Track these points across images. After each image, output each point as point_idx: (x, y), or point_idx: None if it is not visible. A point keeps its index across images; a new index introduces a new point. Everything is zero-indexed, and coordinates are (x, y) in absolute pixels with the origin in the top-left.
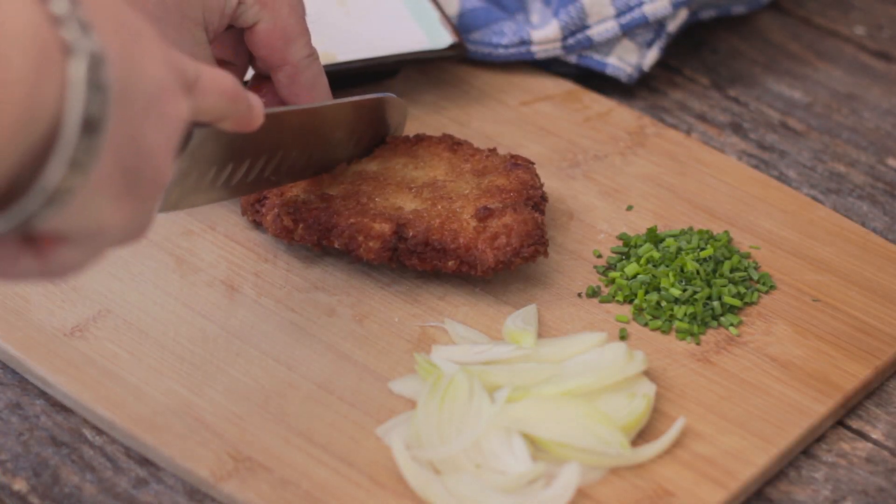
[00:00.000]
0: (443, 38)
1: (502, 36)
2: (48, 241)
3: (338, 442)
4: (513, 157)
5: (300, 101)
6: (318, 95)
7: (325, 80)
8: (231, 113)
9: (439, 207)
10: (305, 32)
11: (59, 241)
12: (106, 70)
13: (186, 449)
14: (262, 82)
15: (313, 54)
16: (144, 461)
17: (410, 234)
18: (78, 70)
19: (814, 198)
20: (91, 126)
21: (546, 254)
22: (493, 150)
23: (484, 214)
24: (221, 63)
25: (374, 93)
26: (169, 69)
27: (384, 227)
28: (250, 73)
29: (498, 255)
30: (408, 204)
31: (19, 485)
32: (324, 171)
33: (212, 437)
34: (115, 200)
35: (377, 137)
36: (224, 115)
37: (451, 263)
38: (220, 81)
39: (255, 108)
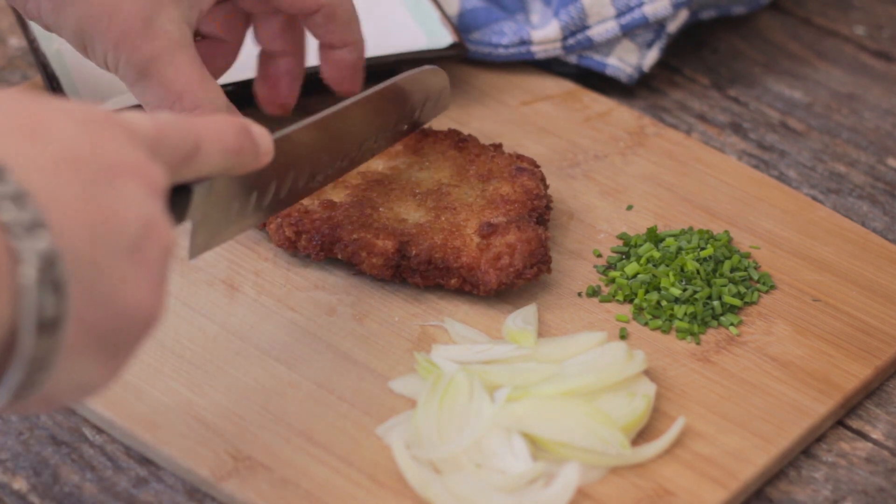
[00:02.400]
0: (443, 38)
1: (502, 36)
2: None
3: (338, 441)
4: (518, 157)
5: (338, 41)
6: (355, 34)
7: (357, 19)
8: (237, 164)
9: (443, 220)
10: None
11: (47, 402)
12: (59, 268)
13: (186, 448)
14: (271, 65)
15: None
16: (144, 460)
17: (413, 252)
18: (27, 275)
19: (814, 198)
20: (48, 326)
21: (549, 271)
22: (498, 147)
23: (487, 231)
24: (213, 41)
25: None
26: (151, 197)
27: (387, 245)
28: (238, 75)
29: (501, 276)
30: (411, 214)
31: (19, 484)
32: (371, 157)
33: (212, 436)
34: (99, 365)
35: (423, 113)
36: (230, 169)
37: (453, 281)
38: (222, 139)
39: (263, 146)
